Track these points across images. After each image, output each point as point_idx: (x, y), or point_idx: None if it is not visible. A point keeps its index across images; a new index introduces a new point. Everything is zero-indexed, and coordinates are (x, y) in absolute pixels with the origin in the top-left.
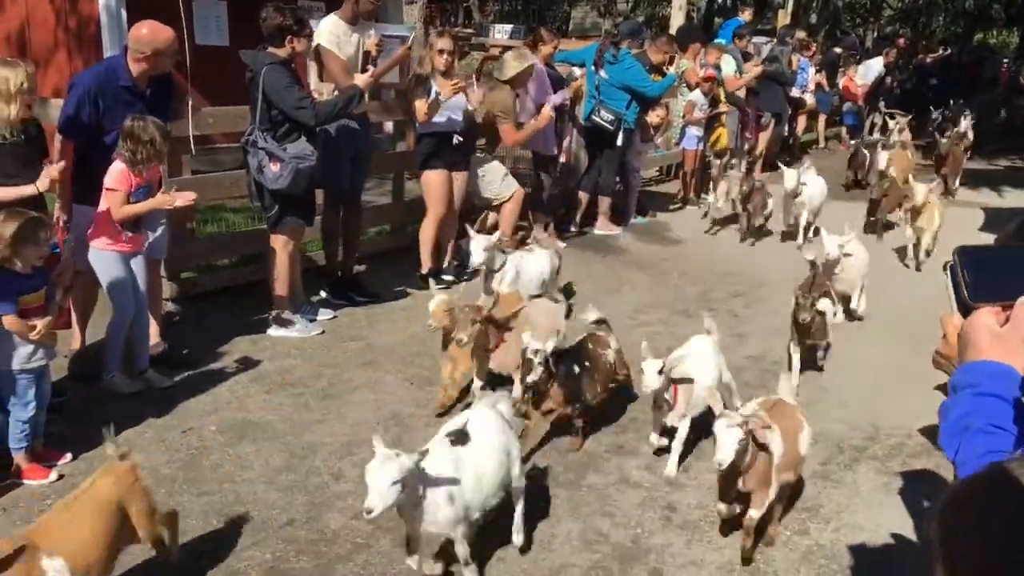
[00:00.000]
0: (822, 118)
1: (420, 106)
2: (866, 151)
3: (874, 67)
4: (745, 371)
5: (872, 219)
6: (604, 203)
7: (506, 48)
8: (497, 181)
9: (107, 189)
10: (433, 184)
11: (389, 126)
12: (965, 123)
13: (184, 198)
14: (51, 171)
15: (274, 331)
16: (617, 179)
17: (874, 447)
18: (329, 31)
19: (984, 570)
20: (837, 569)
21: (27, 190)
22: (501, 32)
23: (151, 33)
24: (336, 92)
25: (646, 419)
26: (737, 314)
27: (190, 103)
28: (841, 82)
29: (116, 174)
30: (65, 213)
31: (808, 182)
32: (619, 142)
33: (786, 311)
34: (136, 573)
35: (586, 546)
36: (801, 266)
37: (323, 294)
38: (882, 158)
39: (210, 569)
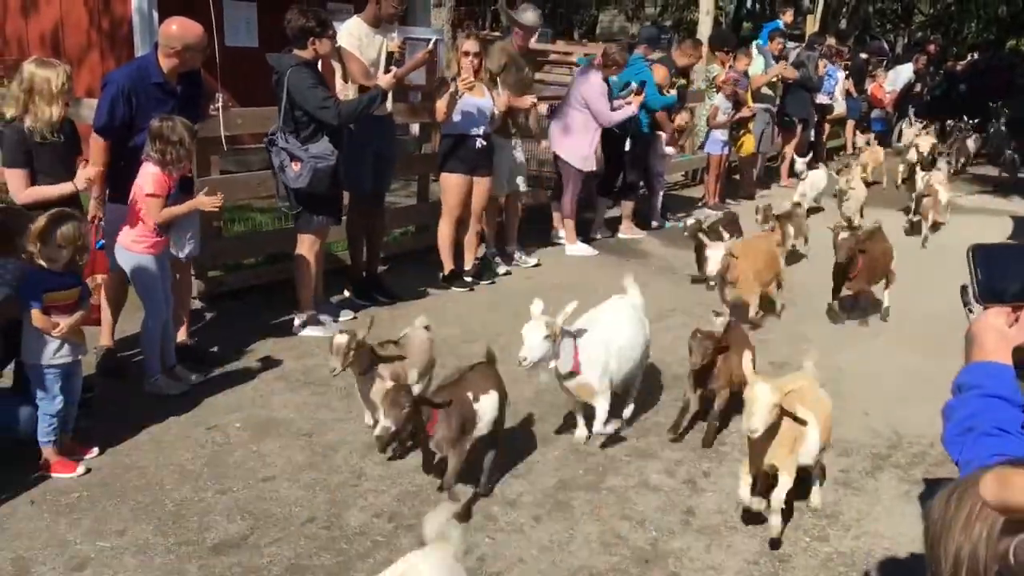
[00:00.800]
0: (850, 124)
1: (439, 105)
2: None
3: (904, 73)
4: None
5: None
6: (627, 207)
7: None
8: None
9: (147, 195)
10: (451, 186)
11: (415, 128)
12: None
13: (216, 200)
14: (88, 172)
15: (300, 330)
16: (641, 183)
17: (896, 455)
18: (350, 33)
19: (958, 565)
20: None
21: (66, 188)
22: None
23: (181, 29)
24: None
25: (667, 423)
26: (760, 320)
27: (220, 101)
28: (870, 88)
29: (153, 179)
30: (100, 211)
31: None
32: (626, 147)
33: (810, 319)
34: (161, 567)
35: (604, 549)
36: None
37: (347, 294)
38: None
39: (232, 564)
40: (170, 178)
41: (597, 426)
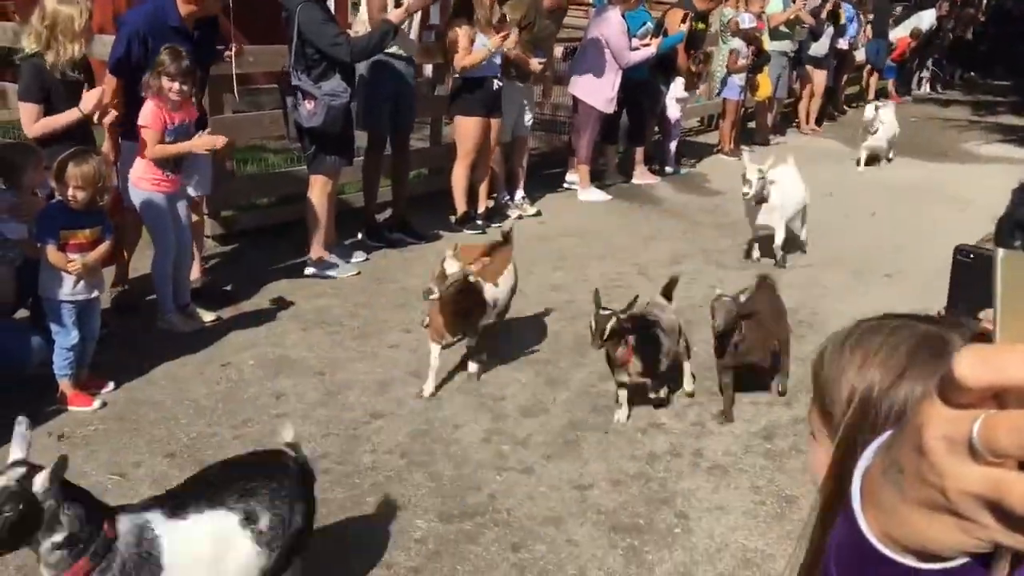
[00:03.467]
0: (868, 69)
1: (470, 59)
2: None
3: (926, 19)
4: None
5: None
6: (638, 153)
7: None
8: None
9: (140, 127)
10: (468, 129)
11: (428, 69)
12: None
13: (210, 142)
14: (93, 94)
15: (311, 271)
16: (656, 129)
17: None
18: None
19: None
20: None
21: (72, 115)
22: None
23: None
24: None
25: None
26: (773, 266)
27: (233, 48)
28: (894, 37)
29: (147, 113)
30: (114, 150)
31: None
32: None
33: (820, 264)
34: None
35: (614, 487)
36: (843, 222)
37: (360, 236)
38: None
39: None
40: (167, 113)
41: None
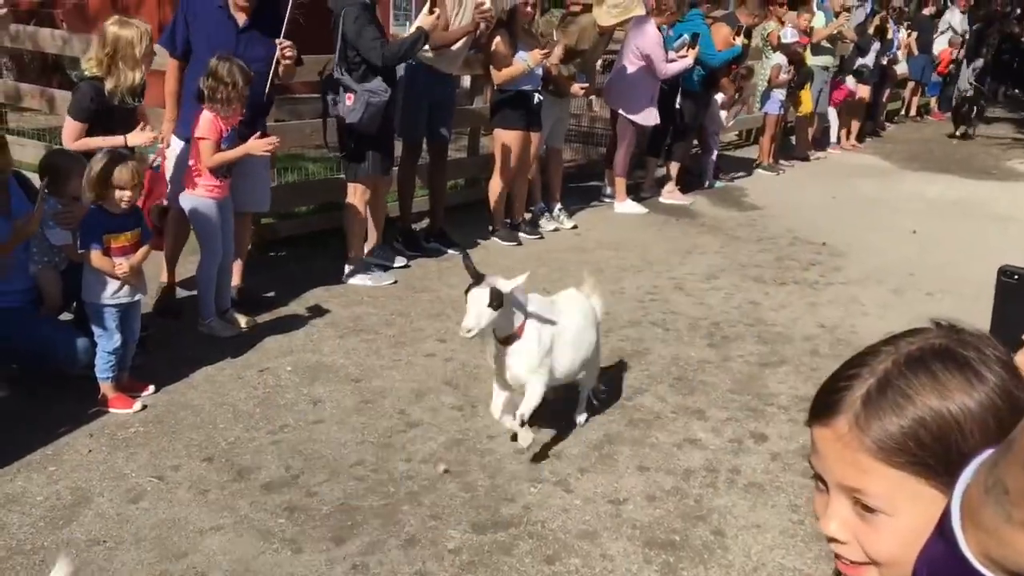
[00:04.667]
0: (910, 85)
1: (507, 72)
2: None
3: (955, 20)
4: (816, 339)
5: None
6: (674, 169)
7: (587, 6)
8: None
9: (197, 139)
10: (508, 141)
11: (466, 81)
12: None
13: (268, 143)
14: (145, 135)
15: (348, 279)
16: (695, 143)
17: None
18: None
19: None
20: None
21: (116, 140)
22: None
23: None
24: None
25: (717, 382)
26: (811, 283)
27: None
28: (938, 51)
29: (205, 123)
30: (170, 135)
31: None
32: (677, 104)
33: (859, 281)
34: (214, 502)
35: (649, 502)
36: (883, 239)
37: (396, 244)
38: None
39: (282, 502)
40: (223, 121)
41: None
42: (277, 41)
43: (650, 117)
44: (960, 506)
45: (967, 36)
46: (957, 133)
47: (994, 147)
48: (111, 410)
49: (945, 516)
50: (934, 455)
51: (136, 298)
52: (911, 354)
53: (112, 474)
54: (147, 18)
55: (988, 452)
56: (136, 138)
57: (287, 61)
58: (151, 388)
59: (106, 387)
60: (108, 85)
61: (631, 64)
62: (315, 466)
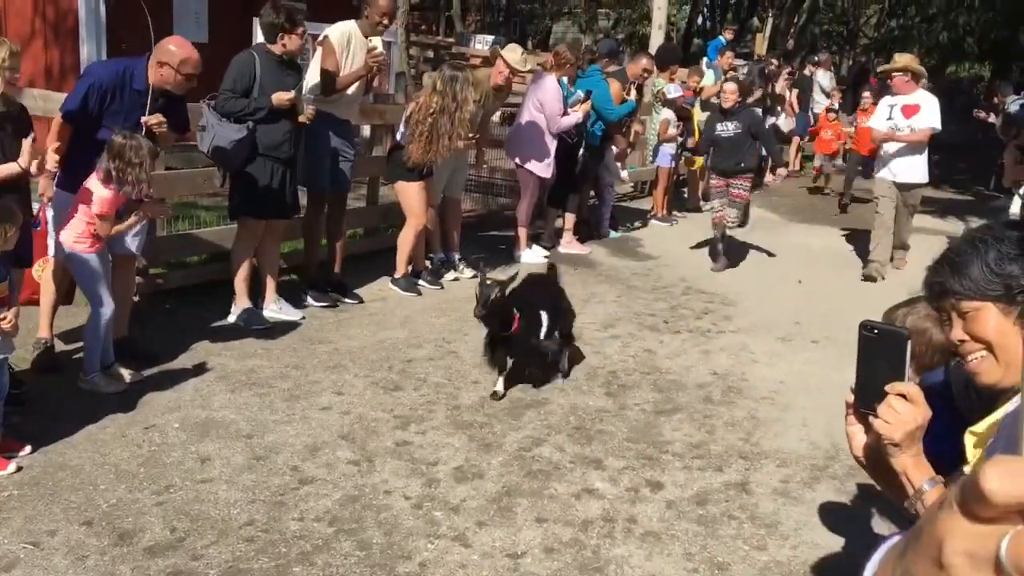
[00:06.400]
0: (795, 141)
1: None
2: None
3: (823, 83)
4: (709, 387)
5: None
6: (569, 220)
7: (486, 59)
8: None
9: (97, 215)
10: (412, 194)
11: (366, 130)
12: None
13: (158, 212)
14: (50, 160)
15: (235, 322)
16: (592, 194)
17: (834, 467)
18: (341, 32)
19: None
20: None
21: (11, 168)
22: (482, 43)
23: (178, 48)
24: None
25: (614, 431)
26: (703, 331)
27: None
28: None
29: (104, 201)
30: (50, 191)
31: None
32: (580, 154)
33: (754, 332)
34: (93, 568)
35: (548, 555)
36: (771, 289)
37: (309, 298)
38: None
39: (167, 567)
40: (123, 198)
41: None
42: (143, 119)
43: (550, 168)
44: None
45: (833, 93)
46: (841, 204)
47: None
48: None
49: None
50: None
51: (7, 355)
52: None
53: None
54: (33, 60)
55: (895, 538)
56: (26, 157)
57: (161, 130)
58: (27, 448)
59: None
60: None
61: (532, 118)
62: (202, 527)
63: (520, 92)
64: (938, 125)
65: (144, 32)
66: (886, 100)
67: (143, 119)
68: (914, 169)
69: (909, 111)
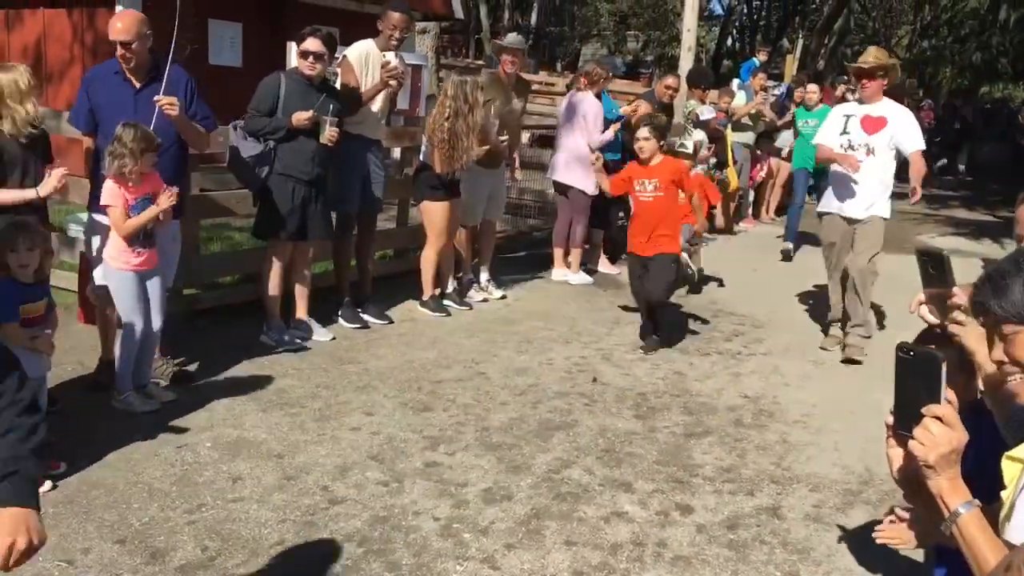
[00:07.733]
0: None
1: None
2: None
3: None
4: (740, 410)
5: None
6: (597, 236)
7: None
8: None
9: (103, 206)
10: (436, 214)
11: (396, 152)
12: None
13: (168, 196)
14: (52, 180)
15: (267, 342)
16: (621, 214)
17: (867, 492)
18: (359, 51)
19: None
20: None
21: (28, 194)
22: None
23: (115, 18)
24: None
25: (644, 454)
26: (734, 354)
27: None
28: None
29: (109, 191)
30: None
31: None
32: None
33: (786, 355)
34: None
35: None
36: (803, 311)
37: (339, 318)
38: None
39: None
40: (127, 188)
41: None
42: (156, 99)
43: (594, 184)
44: None
45: None
46: None
47: (907, 222)
48: None
49: None
50: None
51: (44, 373)
52: None
53: None
54: (71, 85)
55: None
56: (48, 188)
57: (172, 114)
58: (62, 466)
59: None
60: (5, 127)
61: (571, 137)
62: (233, 547)
63: (543, 112)
64: (923, 144)
65: (182, 56)
66: (841, 109)
67: (155, 98)
68: (872, 200)
69: (872, 125)
